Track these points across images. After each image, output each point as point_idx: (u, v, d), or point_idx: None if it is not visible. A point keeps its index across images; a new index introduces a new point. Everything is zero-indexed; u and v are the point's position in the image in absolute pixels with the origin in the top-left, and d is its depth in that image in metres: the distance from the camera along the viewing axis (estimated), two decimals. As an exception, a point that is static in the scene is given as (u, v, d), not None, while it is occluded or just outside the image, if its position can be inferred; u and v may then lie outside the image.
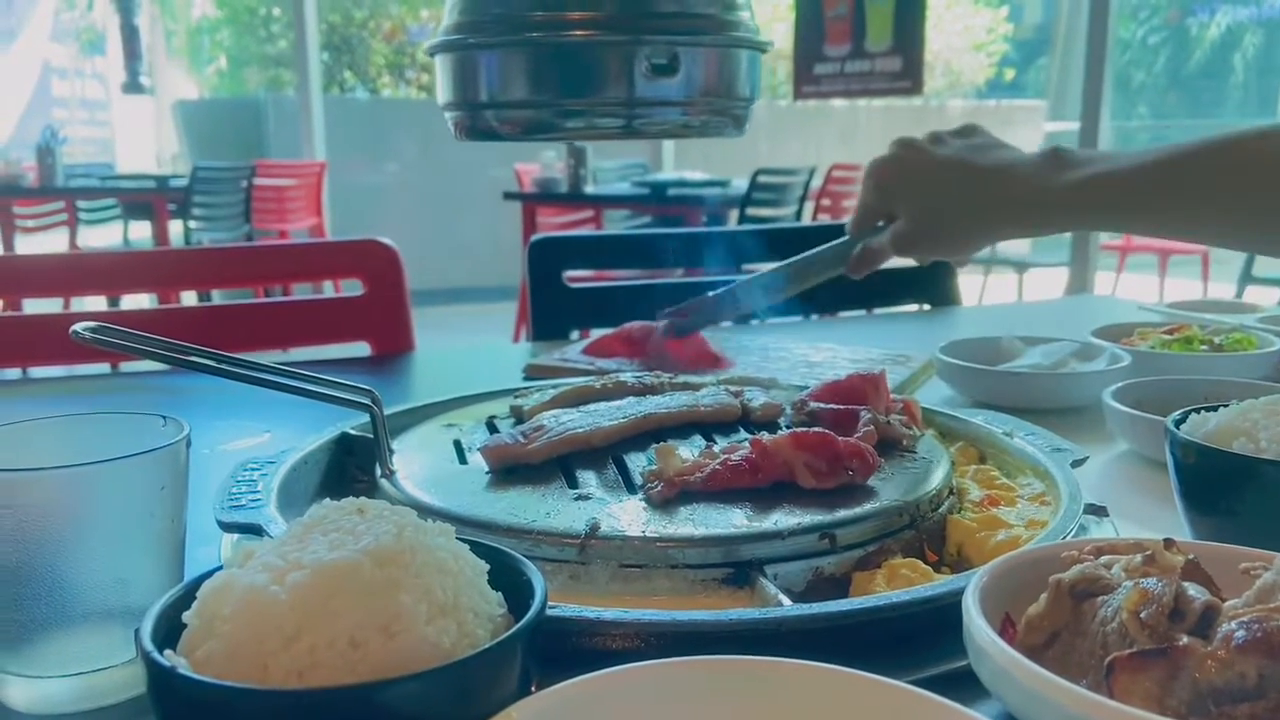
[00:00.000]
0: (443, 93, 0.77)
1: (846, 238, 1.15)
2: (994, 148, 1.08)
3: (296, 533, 0.48)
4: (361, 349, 1.48)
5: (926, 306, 1.83)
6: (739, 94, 0.77)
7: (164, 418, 0.60)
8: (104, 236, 7.16)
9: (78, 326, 0.70)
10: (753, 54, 0.77)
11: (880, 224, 1.12)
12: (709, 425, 0.83)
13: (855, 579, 0.66)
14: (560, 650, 0.54)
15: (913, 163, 1.08)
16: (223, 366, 0.72)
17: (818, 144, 8.36)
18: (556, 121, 0.73)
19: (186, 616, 0.45)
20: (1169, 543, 0.56)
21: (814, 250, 1.18)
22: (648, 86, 0.72)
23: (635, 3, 0.71)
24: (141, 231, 6.81)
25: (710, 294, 1.21)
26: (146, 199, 6.01)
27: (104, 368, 1.46)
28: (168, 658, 0.42)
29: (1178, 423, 0.74)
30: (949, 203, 1.05)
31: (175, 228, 5.90)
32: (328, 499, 0.79)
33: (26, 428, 0.59)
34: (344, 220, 7.43)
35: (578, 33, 0.70)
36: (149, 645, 0.43)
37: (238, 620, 0.43)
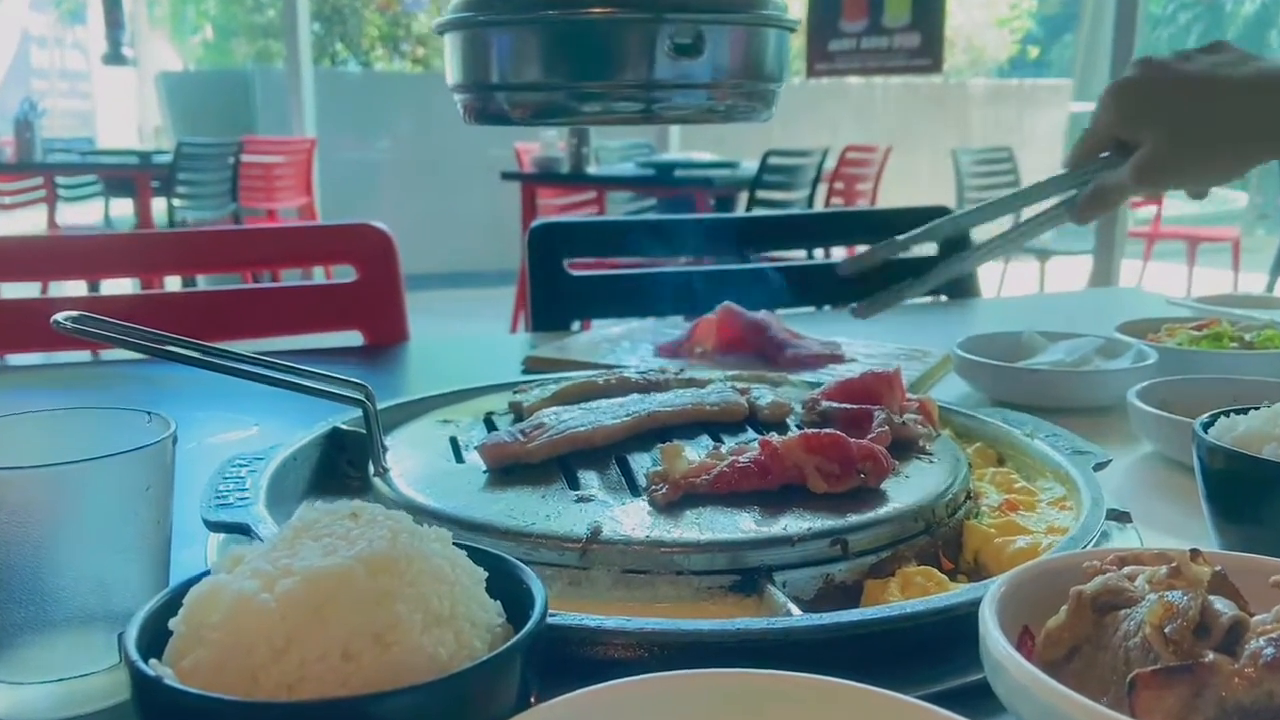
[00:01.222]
0: (451, 73, 0.76)
1: (1063, 174, 1.07)
2: (1250, 60, 1.00)
3: (287, 537, 0.48)
4: (354, 338, 1.48)
5: (944, 298, 1.83)
6: (766, 75, 0.76)
7: (149, 414, 0.60)
8: (84, 214, 7.16)
9: (59, 316, 0.70)
10: (781, 33, 0.77)
11: (1105, 154, 1.06)
12: (715, 424, 0.83)
13: (867, 587, 0.66)
14: (560, 659, 0.54)
15: (1161, 82, 1.01)
16: (209, 359, 0.72)
17: (832, 124, 8.33)
18: (572, 105, 0.72)
19: (173, 623, 0.45)
20: (1195, 554, 0.56)
21: (1035, 213, 1.11)
22: (669, 68, 0.71)
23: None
24: (123, 209, 6.80)
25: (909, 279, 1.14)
26: (129, 175, 6.00)
27: (84, 355, 1.47)
28: (153, 667, 0.42)
29: (1205, 426, 0.74)
30: (1206, 123, 0.98)
31: (158, 205, 5.90)
32: (319, 501, 0.79)
33: (5, 423, 0.59)
34: (334, 199, 7.42)
35: (595, 10, 0.70)
36: (134, 653, 0.43)
37: (226, 629, 0.43)
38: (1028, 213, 1.13)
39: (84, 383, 1.27)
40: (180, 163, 5.72)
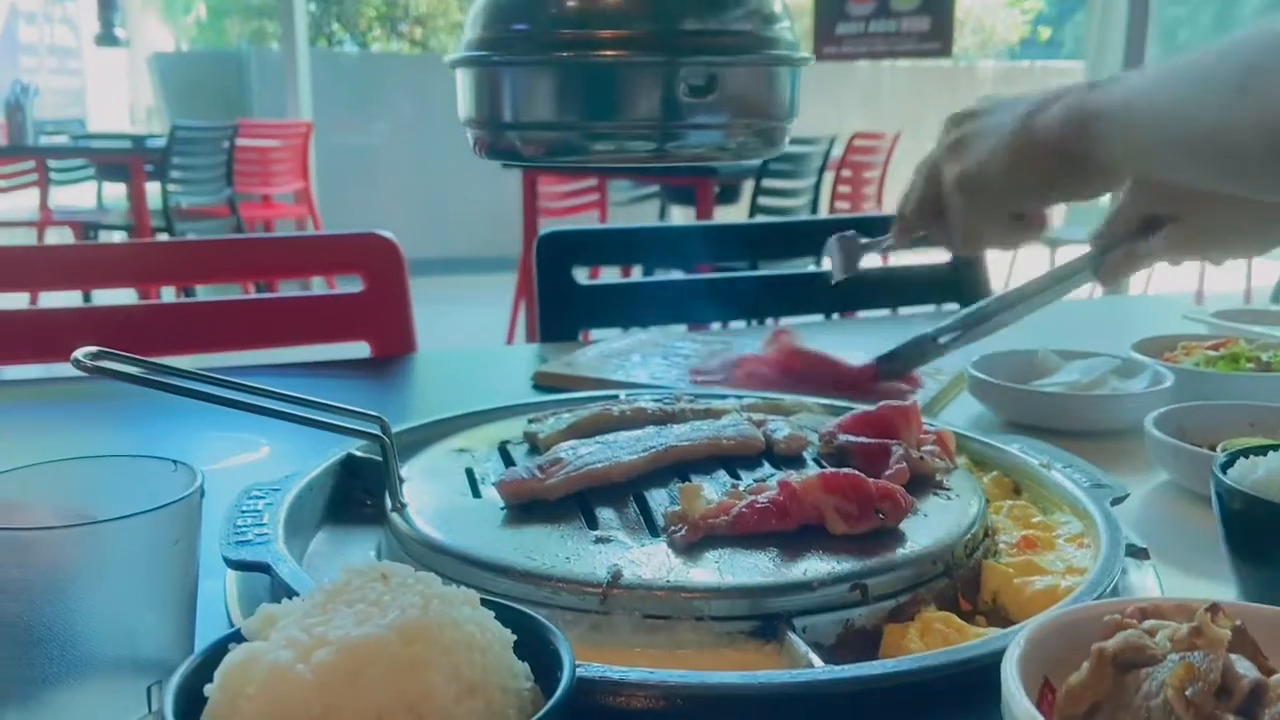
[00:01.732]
0: (463, 108, 0.78)
1: (1092, 253, 1.09)
2: None
3: (319, 601, 0.49)
4: (360, 349, 1.49)
5: (955, 306, 1.84)
6: (778, 113, 0.77)
7: (175, 463, 0.61)
8: (77, 196, 7.16)
9: (78, 354, 0.71)
10: (793, 70, 0.78)
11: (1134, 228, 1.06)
12: (732, 458, 0.84)
13: (887, 632, 0.67)
14: (583, 708, 0.56)
15: None
16: (229, 396, 0.73)
17: (839, 109, 8.32)
18: (585, 145, 0.74)
19: (208, 690, 0.46)
20: (1215, 609, 0.57)
21: (1054, 272, 1.15)
22: (683, 109, 0.72)
23: (668, 21, 0.71)
24: (117, 191, 6.80)
25: (928, 335, 1.21)
26: (123, 160, 6.00)
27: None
28: (193, 740, 0.44)
29: (1225, 466, 0.75)
30: (1239, 203, 0.93)
31: (152, 189, 5.89)
32: (335, 531, 0.81)
33: (27, 474, 0.60)
34: (331, 184, 7.42)
35: (608, 53, 0.71)
36: (172, 725, 0.44)
37: (262, 700, 0.44)
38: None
39: (85, 398, 1.28)
40: (174, 147, 5.70)
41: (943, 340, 1.21)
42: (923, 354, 1.23)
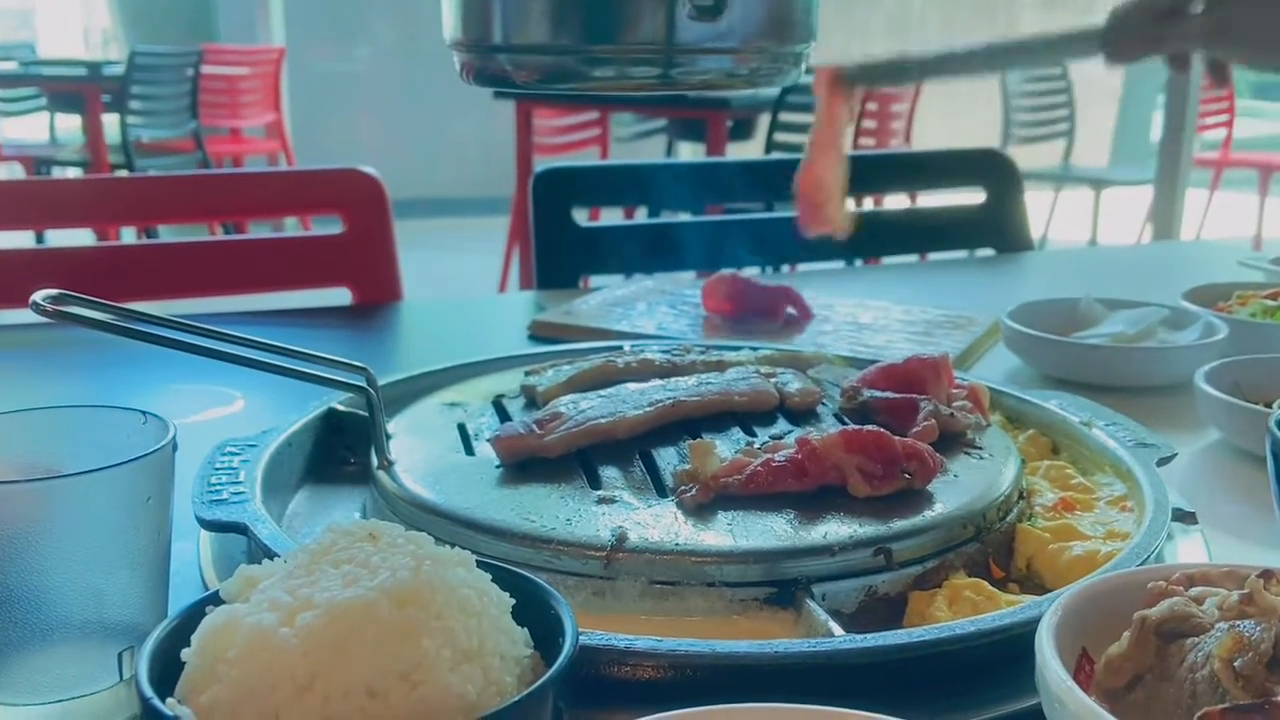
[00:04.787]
0: (449, 28, 0.77)
1: (1102, 24, 1.06)
2: None
3: (303, 562, 0.50)
4: (341, 295, 1.50)
5: (990, 251, 1.84)
6: (795, 35, 0.77)
7: (144, 414, 0.62)
8: (28, 128, 7.13)
9: (37, 296, 0.71)
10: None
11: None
12: (745, 414, 0.85)
13: (912, 599, 0.68)
14: (586, 678, 0.56)
15: None
16: (204, 345, 0.73)
17: (863, 37, 8.25)
18: (583, 70, 0.73)
19: (185, 654, 0.47)
20: (1268, 575, 0.58)
21: (1058, 32, 1.13)
22: (689, 30, 0.71)
23: (674, -68, 0.71)
24: (71, 124, 6.77)
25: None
26: (77, 89, 5.96)
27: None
28: (171, 708, 0.44)
29: (1281, 424, 0.76)
30: None
31: (110, 121, 5.86)
32: (315, 490, 0.82)
33: (-11, 424, 0.61)
34: (307, 117, 7.38)
35: (609, -34, 0.71)
36: (148, 690, 0.45)
37: (244, 665, 0.45)
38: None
39: (38, 347, 1.28)
40: (134, 75, 5.66)
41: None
42: (897, 73, 1.26)
